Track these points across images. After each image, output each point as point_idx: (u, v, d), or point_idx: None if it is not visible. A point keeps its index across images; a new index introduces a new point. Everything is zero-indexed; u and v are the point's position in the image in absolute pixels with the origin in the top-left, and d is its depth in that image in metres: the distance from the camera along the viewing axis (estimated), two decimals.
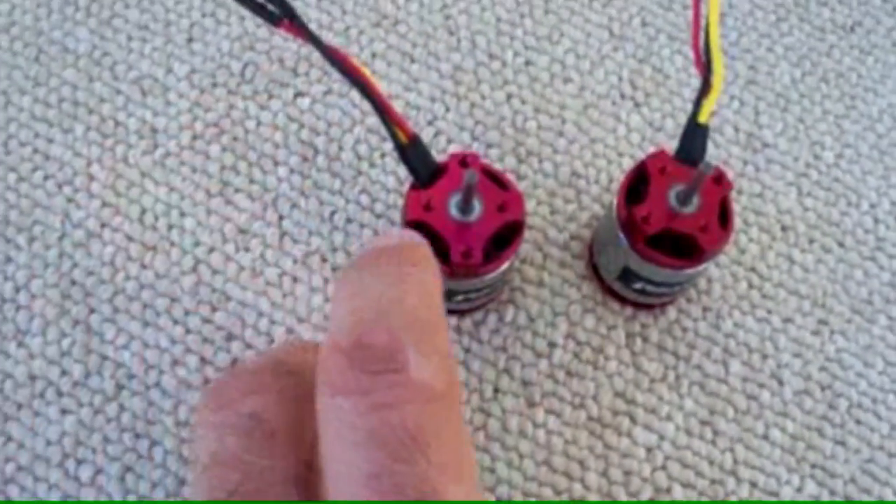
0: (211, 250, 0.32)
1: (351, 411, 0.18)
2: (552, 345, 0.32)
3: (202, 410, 0.21)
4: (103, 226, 0.33)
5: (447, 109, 0.35)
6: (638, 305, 0.33)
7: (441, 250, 0.28)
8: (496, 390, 0.31)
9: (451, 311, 0.32)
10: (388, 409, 0.17)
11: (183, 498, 0.30)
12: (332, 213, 0.33)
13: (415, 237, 0.22)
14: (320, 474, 0.19)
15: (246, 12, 0.35)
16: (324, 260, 0.33)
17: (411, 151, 0.28)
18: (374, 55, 0.36)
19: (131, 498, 0.30)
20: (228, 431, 0.20)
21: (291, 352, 0.24)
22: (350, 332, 0.18)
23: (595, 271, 0.33)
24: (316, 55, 0.35)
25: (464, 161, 0.28)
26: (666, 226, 0.28)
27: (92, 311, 0.32)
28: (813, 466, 0.32)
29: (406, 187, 0.29)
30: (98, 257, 0.32)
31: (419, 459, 0.17)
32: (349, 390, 0.18)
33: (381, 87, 0.28)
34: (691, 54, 0.37)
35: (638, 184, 0.29)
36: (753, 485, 0.31)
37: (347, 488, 0.17)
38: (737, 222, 0.34)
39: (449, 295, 0.30)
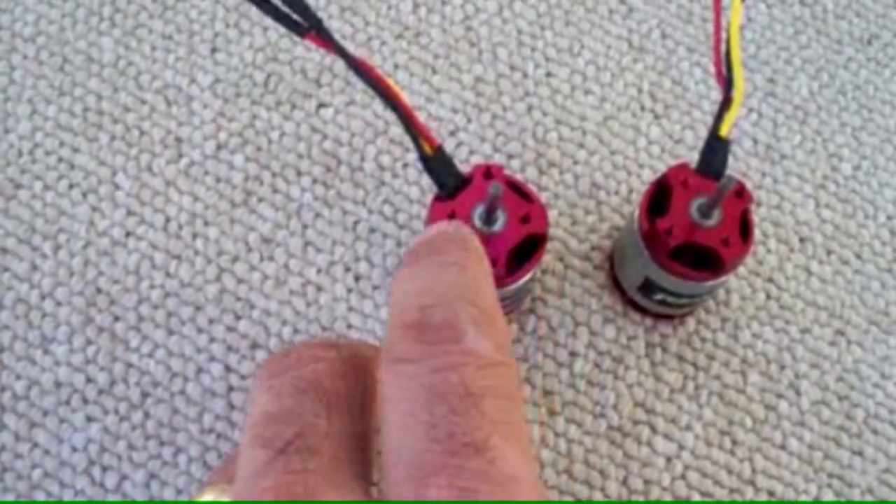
0: (235, 259, 0.33)
1: (413, 374, 0.19)
2: (573, 354, 0.32)
3: (257, 377, 0.22)
4: (128, 234, 0.33)
5: (469, 120, 0.35)
6: (658, 316, 0.33)
7: None
8: None
9: None
10: (447, 370, 0.19)
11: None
12: (356, 223, 0.33)
13: (468, 229, 0.22)
14: (374, 444, 0.20)
15: (269, 22, 0.36)
16: (347, 269, 0.33)
17: (436, 162, 0.28)
18: (396, 66, 0.36)
19: None
20: (285, 392, 0.21)
21: (343, 340, 0.25)
22: (414, 312, 0.20)
23: (616, 282, 0.33)
24: (338, 66, 0.35)
25: (488, 172, 0.29)
26: (688, 238, 0.29)
27: (117, 319, 0.32)
28: (830, 476, 0.32)
29: (429, 198, 0.30)
30: (123, 266, 0.33)
31: (474, 413, 0.18)
32: (411, 358, 0.19)
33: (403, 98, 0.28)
34: (710, 67, 0.37)
35: (660, 196, 0.30)
36: (771, 494, 0.31)
37: (405, 439, 0.18)
38: (755, 234, 0.34)
39: None
